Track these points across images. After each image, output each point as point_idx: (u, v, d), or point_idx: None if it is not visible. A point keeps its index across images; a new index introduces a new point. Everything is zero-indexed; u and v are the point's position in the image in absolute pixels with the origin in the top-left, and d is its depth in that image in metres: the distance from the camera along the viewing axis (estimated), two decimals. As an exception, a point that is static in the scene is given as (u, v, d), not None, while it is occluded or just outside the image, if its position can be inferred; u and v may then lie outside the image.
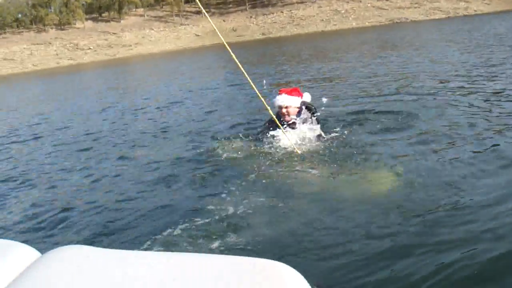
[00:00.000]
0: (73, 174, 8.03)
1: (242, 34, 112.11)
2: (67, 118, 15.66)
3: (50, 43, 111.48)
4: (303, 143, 7.25)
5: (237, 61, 3.46)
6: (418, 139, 7.02)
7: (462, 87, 11.26)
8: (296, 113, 7.73)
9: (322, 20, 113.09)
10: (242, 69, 5.26)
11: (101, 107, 17.46)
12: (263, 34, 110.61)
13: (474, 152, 6.12)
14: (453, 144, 6.58)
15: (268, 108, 6.54)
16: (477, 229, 4.03)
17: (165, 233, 4.74)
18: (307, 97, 8.01)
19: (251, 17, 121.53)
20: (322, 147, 7.05)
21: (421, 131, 7.50)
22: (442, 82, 12.50)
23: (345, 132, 7.61)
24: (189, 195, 5.97)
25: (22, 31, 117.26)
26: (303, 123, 7.67)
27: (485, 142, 6.48)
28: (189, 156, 7.93)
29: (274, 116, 6.98)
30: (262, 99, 6.53)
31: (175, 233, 4.72)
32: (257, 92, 6.36)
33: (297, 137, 7.34)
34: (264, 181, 5.97)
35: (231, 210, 5.11)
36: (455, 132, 7.19)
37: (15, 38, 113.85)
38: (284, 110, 7.75)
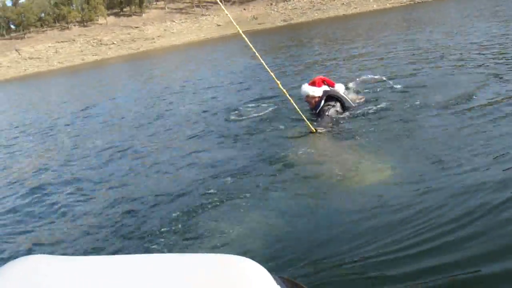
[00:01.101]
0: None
1: (263, 22, 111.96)
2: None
3: (74, 40, 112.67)
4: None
5: (253, 49, 3.62)
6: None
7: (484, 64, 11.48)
8: (315, 103, 8.44)
9: (343, 3, 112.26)
10: (259, 57, 5.59)
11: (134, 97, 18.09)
12: (284, 20, 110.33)
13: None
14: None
15: (285, 92, 6.90)
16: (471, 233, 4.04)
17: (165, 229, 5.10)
18: (339, 87, 8.69)
19: (271, 4, 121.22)
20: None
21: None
22: (462, 59, 12.76)
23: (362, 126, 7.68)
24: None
25: (46, 30, 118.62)
26: (321, 113, 8.32)
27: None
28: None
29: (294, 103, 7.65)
30: (279, 84, 6.90)
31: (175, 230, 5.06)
32: (275, 78, 6.66)
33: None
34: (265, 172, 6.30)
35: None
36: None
37: (40, 37, 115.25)
38: (305, 100, 8.65)
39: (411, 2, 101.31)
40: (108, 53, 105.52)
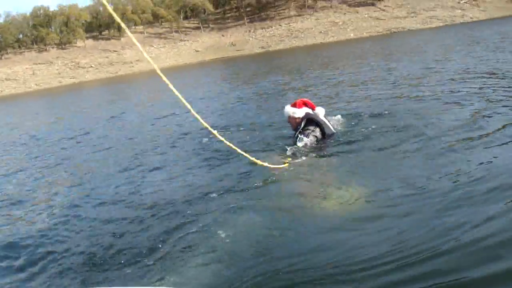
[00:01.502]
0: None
1: (242, 48, 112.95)
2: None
3: (52, 62, 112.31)
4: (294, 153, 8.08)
5: (167, 81, 3.63)
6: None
7: (458, 90, 12.16)
8: (296, 124, 8.82)
9: (320, 32, 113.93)
10: (174, 89, 5.31)
11: (104, 121, 18.35)
12: (262, 47, 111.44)
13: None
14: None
15: (200, 119, 6.57)
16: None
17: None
18: (320, 110, 9.02)
19: (249, 31, 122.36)
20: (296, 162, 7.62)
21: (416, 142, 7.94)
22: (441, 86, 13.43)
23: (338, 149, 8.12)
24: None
25: (24, 51, 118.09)
26: (299, 135, 8.62)
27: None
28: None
29: None
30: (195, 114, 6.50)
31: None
32: (189, 107, 6.03)
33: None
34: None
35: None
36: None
37: (17, 58, 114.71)
38: (288, 121, 9.10)
39: (387, 32, 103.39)
40: (86, 76, 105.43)
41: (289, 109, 8.93)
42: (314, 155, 7.91)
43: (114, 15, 2.46)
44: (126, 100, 32.00)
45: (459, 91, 11.99)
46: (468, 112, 9.51)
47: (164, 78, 2.82)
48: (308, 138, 8.45)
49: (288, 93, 18.15)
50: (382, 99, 12.87)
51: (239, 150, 5.14)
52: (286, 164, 7.18)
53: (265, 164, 5.41)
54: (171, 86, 2.99)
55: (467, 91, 11.84)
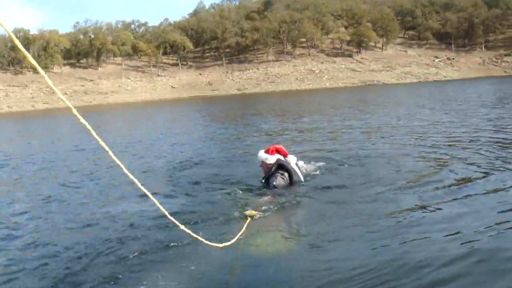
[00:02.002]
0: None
1: (218, 88, 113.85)
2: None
3: (27, 86, 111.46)
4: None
5: (86, 124, 3.74)
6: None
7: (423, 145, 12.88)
8: (267, 169, 9.23)
9: (297, 78, 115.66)
10: (93, 134, 5.42)
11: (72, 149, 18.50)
12: (238, 89, 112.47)
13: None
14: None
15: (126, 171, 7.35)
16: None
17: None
18: (291, 158, 9.48)
19: (227, 72, 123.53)
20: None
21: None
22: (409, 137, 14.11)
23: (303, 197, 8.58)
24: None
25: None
26: (269, 179, 9.13)
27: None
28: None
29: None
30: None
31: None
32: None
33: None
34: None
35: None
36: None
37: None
38: (260, 165, 9.54)
39: (362, 84, 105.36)
40: (60, 103, 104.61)
41: (262, 155, 9.36)
42: (281, 201, 8.22)
43: (21, 47, 2.59)
44: (99, 129, 31.92)
45: (425, 145, 12.95)
46: (429, 163, 10.63)
47: (82, 120, 2.93)
48: (276, 180, 8.94)
49: (263, 137, 18.66)
50: (352, 148, 13.75)
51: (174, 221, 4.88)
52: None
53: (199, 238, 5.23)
54: (92, 132, 3.14)
55: (432, 144, 13.06)
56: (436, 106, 28.16)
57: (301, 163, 10.24)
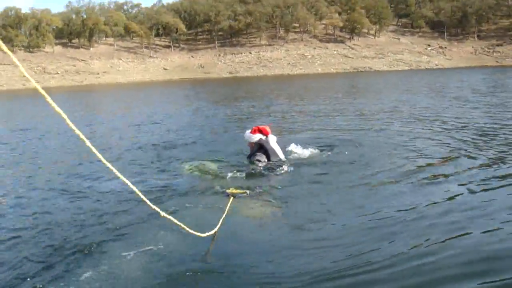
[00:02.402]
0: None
1: (210, 71, 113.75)
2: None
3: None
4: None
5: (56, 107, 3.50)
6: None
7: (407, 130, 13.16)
8: (251, 148, 10.01)
9: (289, 63, 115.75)
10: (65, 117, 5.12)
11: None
12: (230, 72, 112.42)
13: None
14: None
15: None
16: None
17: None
18: (271, 138, 9.95)
19: (219, 55, 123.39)
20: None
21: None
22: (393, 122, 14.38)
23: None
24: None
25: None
26: (250, 157, 9.86)
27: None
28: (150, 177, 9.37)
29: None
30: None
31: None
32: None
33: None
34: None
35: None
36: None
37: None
38: (247, 145, 10.27)
39: (354, 70, 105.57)
40: (51, 82, 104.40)
41: (246, 134, 10.15)
42: (265, 180, 8.68)
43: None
44: (93, 109, 32.09)
45: (413, 130, 13.18)
46: (418, 148, 10.82)
47: (49, 99, 2.75)
48: (255, 158, 9.61)
49: (255, 118, 18.92)
50: (343, 130, 14.23)
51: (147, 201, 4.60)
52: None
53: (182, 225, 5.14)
54: (57, 109, 2.92)
55: (419, 131, 13.14)
56: (425, 91, 28.43)
57: (293, 146, 10.74)
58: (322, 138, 12.93)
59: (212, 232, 5.63)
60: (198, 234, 5.25)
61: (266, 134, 9.93)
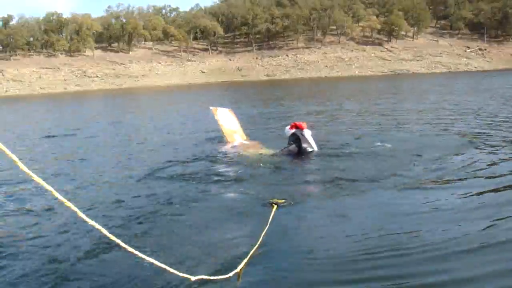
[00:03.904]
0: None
1: (247, 74, 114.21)
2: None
3: (59, 68, 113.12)
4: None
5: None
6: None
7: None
8: (288, 139, 11.52)
9: (326, 66, 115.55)
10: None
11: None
12: (267, 75, 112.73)
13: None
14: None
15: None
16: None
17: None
18: (306, 132, 11.38)
19: (257, 58, 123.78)
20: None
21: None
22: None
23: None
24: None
25: (33, 55, 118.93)
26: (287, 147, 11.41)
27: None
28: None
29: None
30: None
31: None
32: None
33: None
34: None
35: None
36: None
37: (25, 60, 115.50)
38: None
39: (392, 73, 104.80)
40: (91, 85, 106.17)
41: (286, 129, 11.88)
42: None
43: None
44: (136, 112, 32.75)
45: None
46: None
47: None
48: (288, 147, 11.40)
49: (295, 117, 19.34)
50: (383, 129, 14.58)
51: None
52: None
53: None
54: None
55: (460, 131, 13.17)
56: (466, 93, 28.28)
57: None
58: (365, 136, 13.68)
59: (233, 272, 4.71)
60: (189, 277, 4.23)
61: (301, 129, 11.36)
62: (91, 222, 3.42)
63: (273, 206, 6.98)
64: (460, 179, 8.23)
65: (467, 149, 10.88)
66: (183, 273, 4.14)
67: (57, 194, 3.18)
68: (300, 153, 11.04)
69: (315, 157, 10.91)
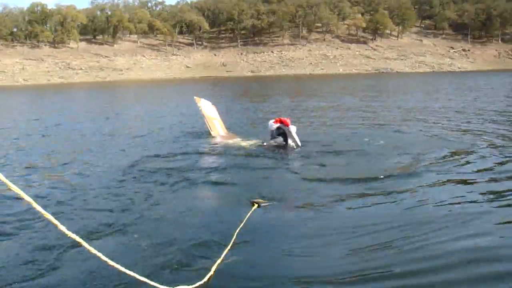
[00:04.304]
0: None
1: (232, 70, 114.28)
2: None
3: (43, 60, 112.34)
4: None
5: None
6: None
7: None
8: (271, 134, 12.08)
9: (311, 63, 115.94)
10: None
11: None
12: (252, 71, 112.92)
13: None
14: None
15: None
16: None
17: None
18: (292, 128, 11.71)
19: (241, 54, 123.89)
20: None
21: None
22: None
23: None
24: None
25: (16, 45, 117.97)
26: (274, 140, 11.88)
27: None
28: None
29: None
30: None
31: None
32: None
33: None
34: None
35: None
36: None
37: (8, 51, 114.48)
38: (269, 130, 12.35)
39: (376, 71, 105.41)
40: (75, 78, 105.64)
41: (269, 124, 12.25)
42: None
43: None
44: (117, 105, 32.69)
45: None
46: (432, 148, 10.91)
47: None
48: (275, 140, 11.84)
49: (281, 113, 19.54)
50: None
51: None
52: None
53: None
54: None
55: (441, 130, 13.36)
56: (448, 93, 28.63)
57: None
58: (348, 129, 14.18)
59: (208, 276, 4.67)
60: None
61: (286, 125, 11.65)
62: (61, 226, 3.31)
63: (253, 205, 6.88)
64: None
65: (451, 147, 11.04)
66: (162, 284, 4.07)
67: (25, 196, 3.03)
68: (286, 147, 11.48)
69: (300, 153, 11.00)
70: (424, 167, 9.13)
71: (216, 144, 12.62)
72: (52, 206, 7.07)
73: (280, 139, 11.64)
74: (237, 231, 5.79)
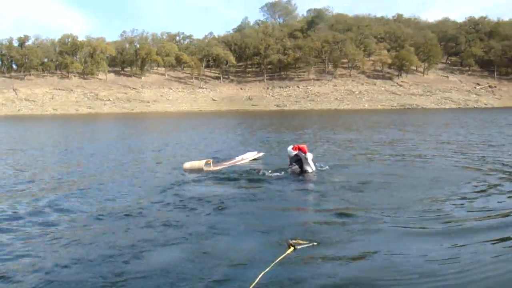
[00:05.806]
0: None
1: (257, 103, 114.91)
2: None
3: (72, 90, 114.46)
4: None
5: None
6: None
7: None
8: (290, 159, 12.47)
9: (336, 98, 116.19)
10: None
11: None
12: (277, 105, 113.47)
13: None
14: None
15: None
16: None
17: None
18: (309, 155, 12.31)
19: (267, 88, 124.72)
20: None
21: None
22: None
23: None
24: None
25: (46, 75, 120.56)
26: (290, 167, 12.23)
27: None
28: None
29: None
30: None
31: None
32: None
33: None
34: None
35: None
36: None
37: (39, 81, 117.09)
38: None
39: (401, 107, 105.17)
40: (103, 108, 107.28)
41: (288, 149, 12.70)
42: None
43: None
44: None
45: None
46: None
47: None
48: (291, 167, 12.16)
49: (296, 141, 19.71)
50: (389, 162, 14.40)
51: None
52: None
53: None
54: None
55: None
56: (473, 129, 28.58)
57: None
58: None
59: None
60: None
61: (304, 152, 12.26)
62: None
63: (289, 247, 5.93)
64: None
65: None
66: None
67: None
68: (302, 174, 11.85)
69: (335, 186, 10.24)
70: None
71: (240, 170, 12.90)
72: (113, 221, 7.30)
73: (295, 167, 12.03)
74: (262, 274, 5.06)
